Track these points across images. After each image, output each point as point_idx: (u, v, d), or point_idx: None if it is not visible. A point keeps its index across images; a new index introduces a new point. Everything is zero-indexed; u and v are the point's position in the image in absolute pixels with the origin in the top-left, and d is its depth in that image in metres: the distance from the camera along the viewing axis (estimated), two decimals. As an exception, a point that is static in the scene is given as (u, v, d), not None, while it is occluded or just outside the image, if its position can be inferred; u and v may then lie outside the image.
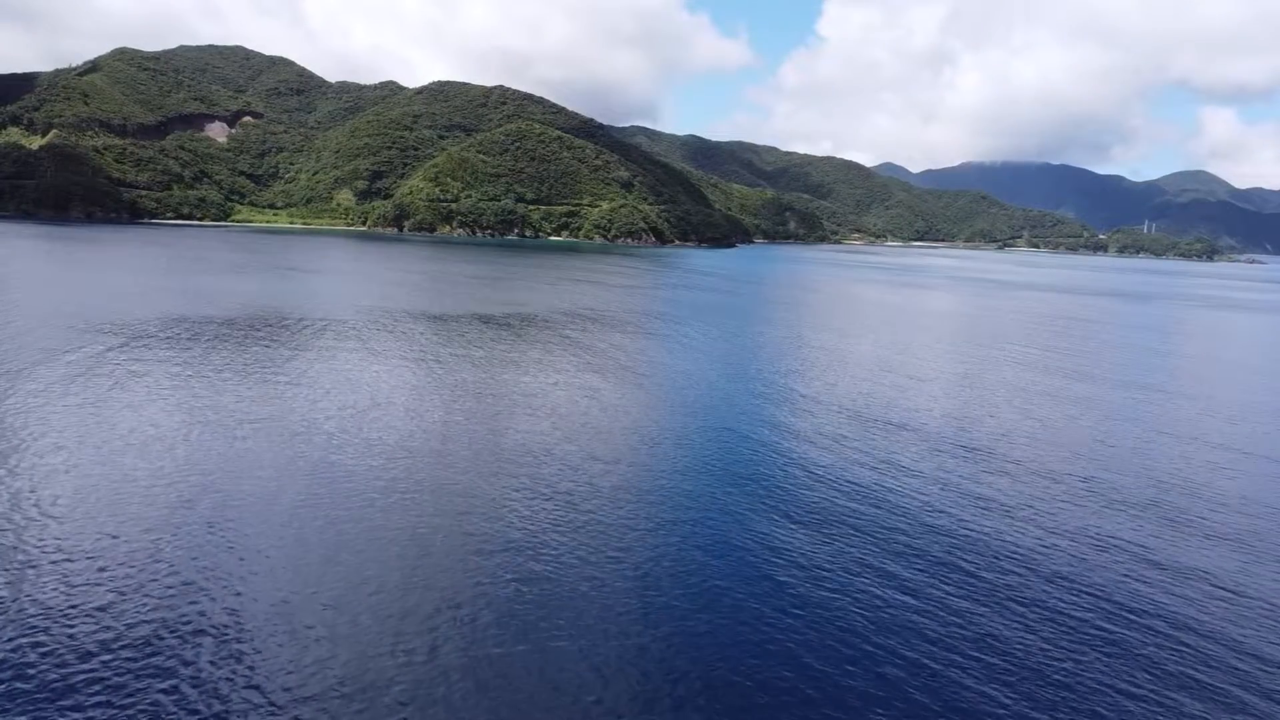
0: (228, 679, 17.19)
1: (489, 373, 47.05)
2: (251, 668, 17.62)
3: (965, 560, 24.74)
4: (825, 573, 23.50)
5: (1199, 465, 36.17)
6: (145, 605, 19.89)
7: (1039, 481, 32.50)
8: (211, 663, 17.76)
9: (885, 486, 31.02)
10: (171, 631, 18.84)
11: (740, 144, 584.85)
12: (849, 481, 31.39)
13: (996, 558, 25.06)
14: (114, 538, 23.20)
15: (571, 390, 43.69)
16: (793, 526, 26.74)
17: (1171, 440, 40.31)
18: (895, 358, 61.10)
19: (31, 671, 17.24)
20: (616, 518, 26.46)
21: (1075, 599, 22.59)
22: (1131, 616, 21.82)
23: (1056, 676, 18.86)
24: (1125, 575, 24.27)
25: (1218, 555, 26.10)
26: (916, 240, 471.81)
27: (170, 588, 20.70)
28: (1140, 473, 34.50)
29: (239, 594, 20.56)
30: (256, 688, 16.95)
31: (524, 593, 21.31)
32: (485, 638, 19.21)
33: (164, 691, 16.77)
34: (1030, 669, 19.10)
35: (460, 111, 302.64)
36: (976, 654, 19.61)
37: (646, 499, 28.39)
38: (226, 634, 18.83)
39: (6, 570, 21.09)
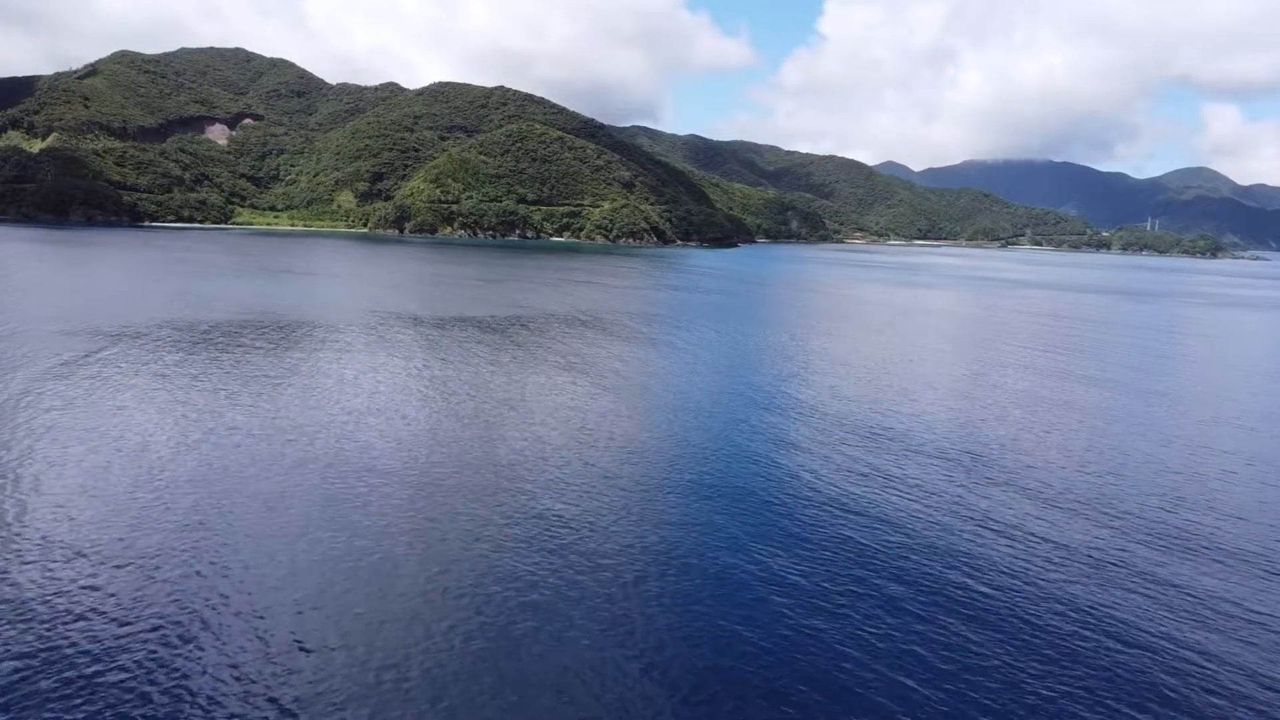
0: (208, 688, 16.46)
1: (488, 381, 46.30)
2: (232, 677, 16.88)
3: (971, 582, 23.89)
4: (821, 595, 22.65)
5: (1213, 476, 35.27)
6: (131, 614, 19.29)
7: (1049, 493, 31.62)
8: (192, 671, 17.12)
9: (889, 502, 30.19)
10: (155, 638, 18.22)
11: (742, 143, 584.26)
12: (851, 496, 30.56)
13: (1002, 576, 24.20)
14: (99, 545, 22.49)
15: (570, 397, 42.91)
16: (790, 544, 25.90)
17: (1184, 449, 39.40)
18: (900, 363, 60.28)
19: (13, 677, 16.72)
20: (609, 533, 25.65)
21: (1086, 622, 21.72)
22: (1151, 644, 20.94)
23: (1067, 708, 18.03)
24: (1141, 598, 23.37)
25: (1233, 575, 25.23)
26: (919, 239, 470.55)
27: (155, 594, 20.02)
28: (1154, 486, 33.62)
29: (224, 602, 19.84)
30: (238, 697, 16.24)
31: (509, 606, 20.49)
32: (467, 652, 18.42)
33: (146, 699, 16.17)
34: (1040, 699, 18.27)
35: (461, 112, 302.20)
36: (983, 684, 18.77)
37: (641, 515, 27.57)
38: (209, 642, 18.18)
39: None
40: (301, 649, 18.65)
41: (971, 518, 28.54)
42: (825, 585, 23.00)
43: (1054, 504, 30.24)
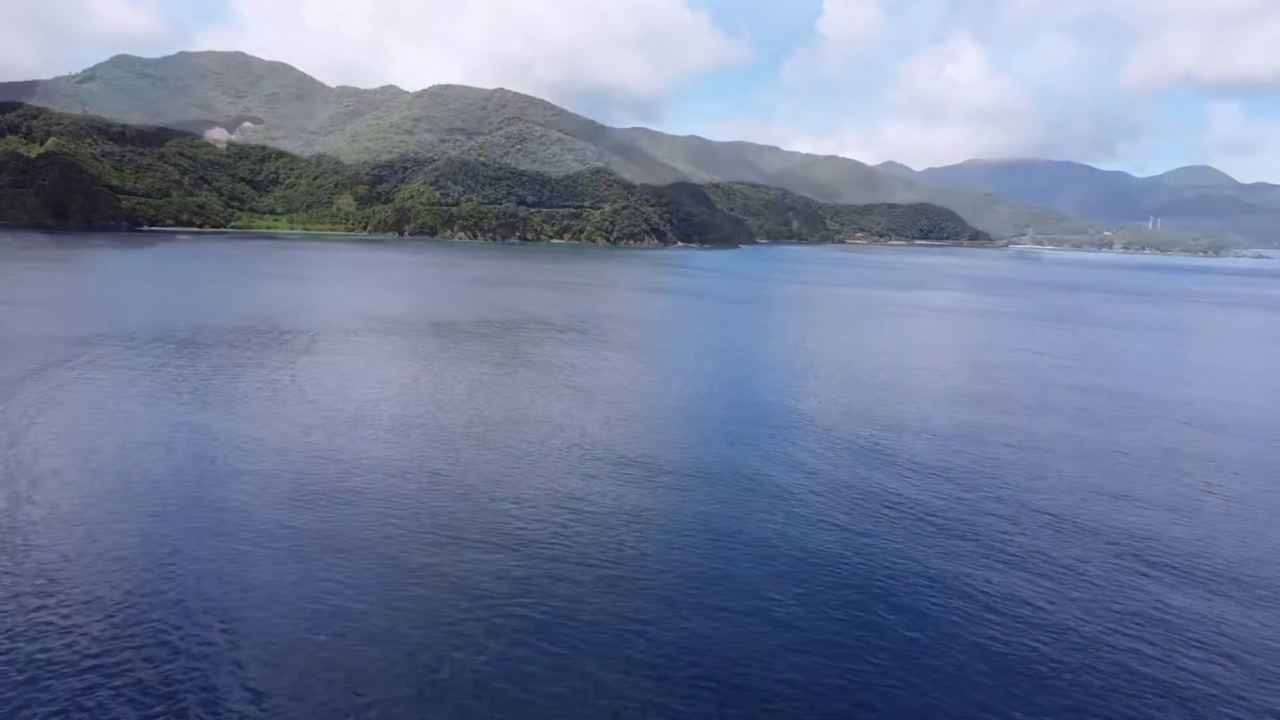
0: (196, 695, 15.76)
1: (482, 390, 45.50)
2: (222, 682, 16.14)
3: (972, 606, 23.08)
4: (814, 620, 21.81)
5: (1224, 487, 34.43)
6: (120, 619, 18.72)
7: (1055, 509, 30.81)
8: (180, 678, 16.67)
9: (888, 520, 29.39)
10: (145, 642, 17.79)
11: (742, 144, 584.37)
12: (849, 514, 29.76)
13: (1007, 603, 23.38)
14: (91, 551, 21.76)
15: (567, 406, 42.10)
16: (784, 563, 25.07)
17: (1193, 459, 38.58)
18: (903, 370, 59.47)
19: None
20: (596, 550, 24.81)
21: (1091, 650, 20.91)
22: (1165, 677, 20.13)
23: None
24: (1152, 626, 22.59)
25: (1243, 597, 24.40)
26: (920, 239, 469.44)
27: (145, 600, 19.41)
28: (1164, 499, 32.80)
29: (212, 608, 19.16)
30: (224, 702, 15.50)
31: (488, 626, 19.67)
32: (439, 672, 17.63)
33: (132, 704, 15.75)
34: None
35: (461, 115, 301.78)
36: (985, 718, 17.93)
37: (631, 532, 26.76)
38: (200, 649, 17.63)
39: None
40: (271, 663, 17.86)
41: (975, 536, 27.71)
42: (821, 610, 22.15)
43: (1062, 521, 29.39)
